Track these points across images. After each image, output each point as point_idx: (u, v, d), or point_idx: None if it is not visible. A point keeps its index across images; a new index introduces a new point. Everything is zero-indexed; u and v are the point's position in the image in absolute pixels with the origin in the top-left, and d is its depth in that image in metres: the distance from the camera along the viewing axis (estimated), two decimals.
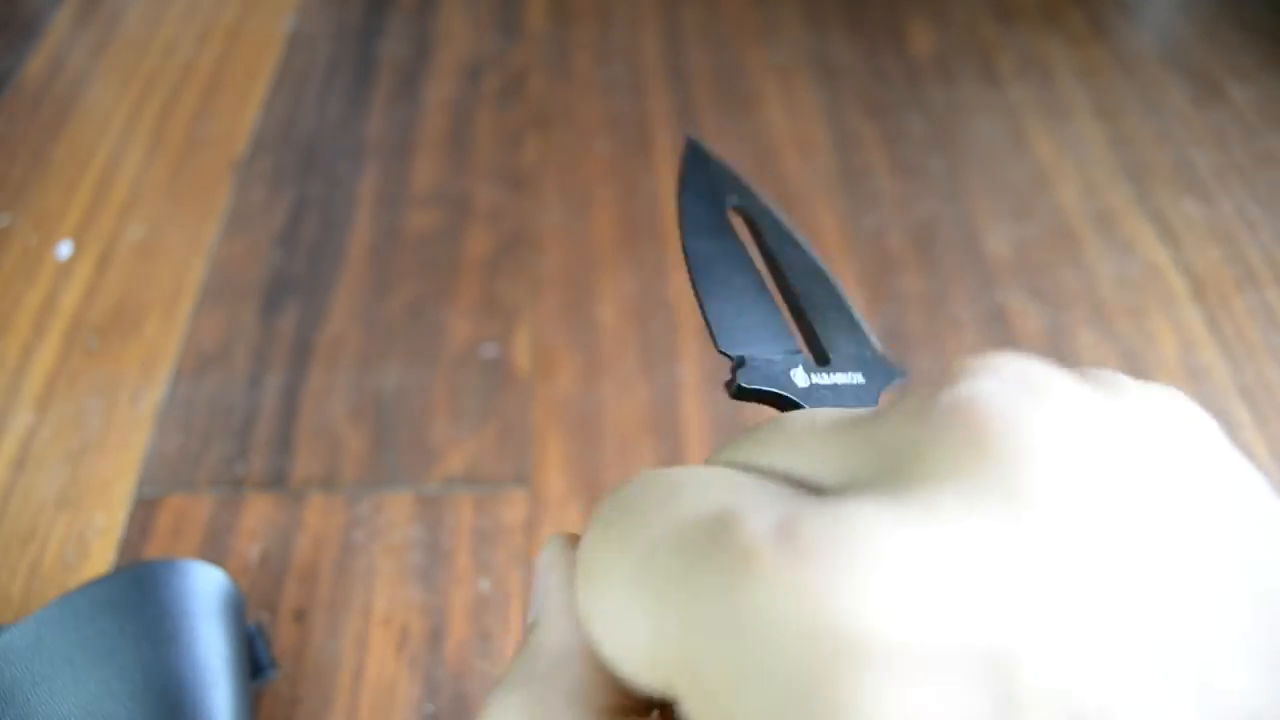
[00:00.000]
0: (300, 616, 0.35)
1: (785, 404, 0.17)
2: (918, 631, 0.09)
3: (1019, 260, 0.48)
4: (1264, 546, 0.10)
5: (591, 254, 0.48)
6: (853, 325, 0.19)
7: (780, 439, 0.12)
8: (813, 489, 0.11)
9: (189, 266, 0.48)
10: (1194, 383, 0.43)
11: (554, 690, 0.12)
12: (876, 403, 0.17)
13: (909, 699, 0.08)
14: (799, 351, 0.18)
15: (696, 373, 0.43)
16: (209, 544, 0.37)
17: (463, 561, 0.37)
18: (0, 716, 0.26)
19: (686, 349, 0.44)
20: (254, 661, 0.32)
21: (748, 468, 0.12)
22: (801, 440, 0.12)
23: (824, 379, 0.17)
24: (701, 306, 0.18)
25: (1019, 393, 0.10)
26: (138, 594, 0.29)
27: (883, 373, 0.18)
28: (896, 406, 0.11)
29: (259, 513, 0.38)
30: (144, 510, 0.38)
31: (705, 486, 0.11)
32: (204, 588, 0.31)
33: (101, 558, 0.37)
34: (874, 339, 0.18)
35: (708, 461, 0.14)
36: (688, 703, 0.10)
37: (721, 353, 0.17)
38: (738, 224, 0.20)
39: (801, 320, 0.19)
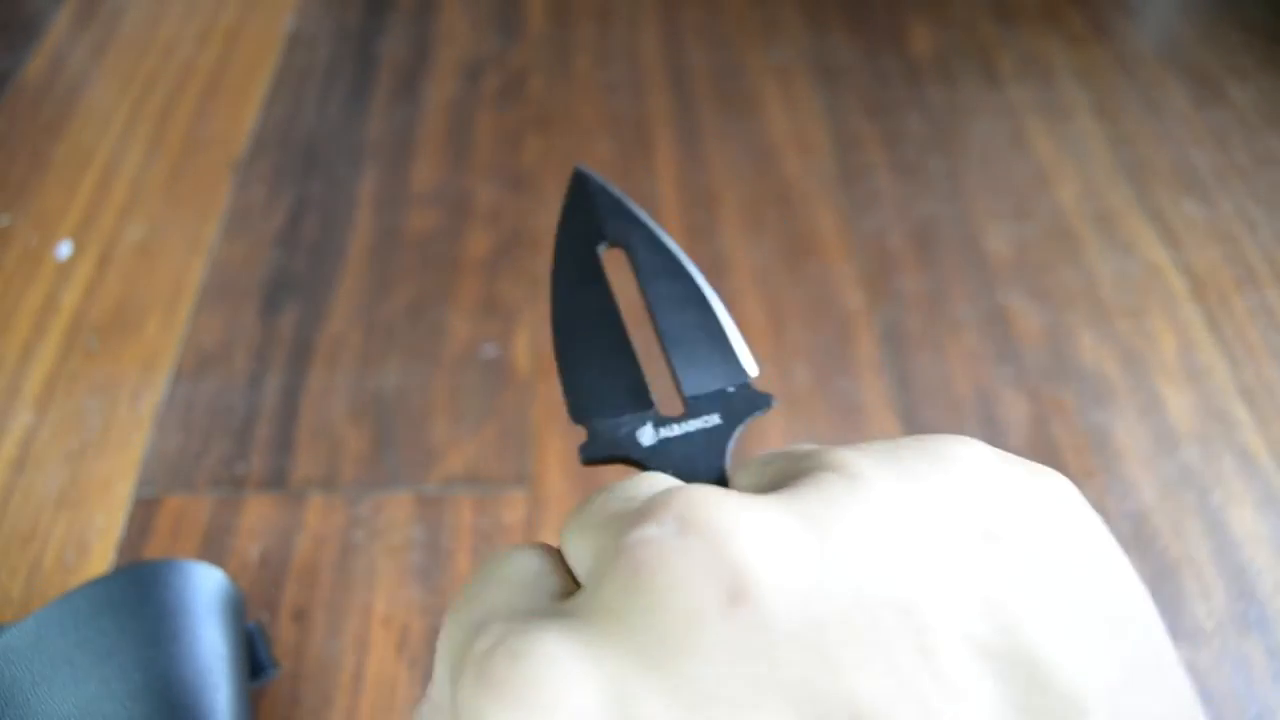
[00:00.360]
0: (300, 616, 0.35)
1: (634, 463, 0.18)
2: None
3: (1019, 260, 0.48)
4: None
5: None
6: (723, 356, 0.19)
7: (577, 528, 0.15)
8: (573, 587, 0.14)
9: (189, 266, 0.48)
10: (1194, 383, 0.43)
11: None
12: (731, 440, 0.18)
13: None
14: (651, 406, 0.18)
15: None
16: (209, 544, 0.37)
17: (463, 561, 0.37)
18: (0, 716, 0.26)
19: None
20: (254, 661, 0.32)
21: (557, 555, 0.15)
22: (581, 535, 0.14)
23: (674, 431, 0.18)
24: (560, 373, 0.19)
25: (671, 537, 0.12)
26: (138, 594, 0.29)
27: (743, 407, 0.18)
28: (617, 526, 0.13)
29: (259, 513, 0.38)
30: (144, 510, 0.38)
31: (502, 586, 0.14)
32: (204, 588, 0.31)
33: (101, 558, 0.37)
34: (746, 364, 0.19)
35: (561, 529, 0.16)
36: None
37: (573, 422, 0.18)
38: (617, 260, 0.20)
39: (668, 362, 0.19)
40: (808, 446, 0.15)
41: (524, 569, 0.15)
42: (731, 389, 0.18)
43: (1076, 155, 0.54)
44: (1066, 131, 0.55)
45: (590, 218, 0.20)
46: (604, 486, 0.16)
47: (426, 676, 0.34)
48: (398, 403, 0.42)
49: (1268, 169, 0.53)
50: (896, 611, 0.11)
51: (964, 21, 0.63)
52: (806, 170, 0.52)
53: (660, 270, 0.20)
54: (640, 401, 0.18)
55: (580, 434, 0.18)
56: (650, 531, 0.12)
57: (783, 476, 0.14)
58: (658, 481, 0.15)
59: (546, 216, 0.50)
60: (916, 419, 0.42)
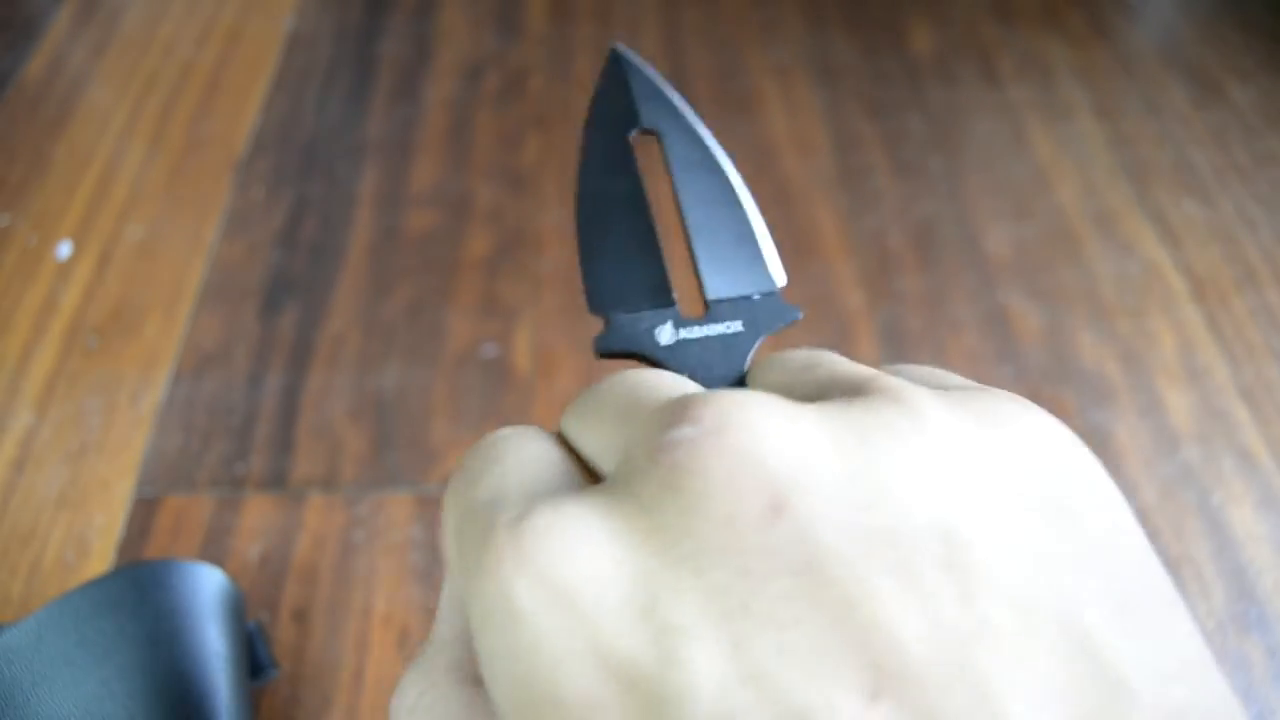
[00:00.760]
0: (300, 616, 0.35)
1: (650, 362, 0.17)
2: (585, 615, 0.11)
3: (1019, 260, 0.48)
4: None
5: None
6: (751, 260, 0.18)
7: (581, 411, 0.15)
8: (593, 472, 0.14)
9: (189, 266, 0.48)
10: (1194, 383, 0.43)
11: (439, 666, 0.14)
12: (751, 350, 0.17)
13: (569, 651, 0.11)
14: (672, 305, 0.17)
15: None
16: (209, 544, 0.37)
17: None
18: (0, 716, 0.26)
19: None
20: (254, 661, 0.32)
21: (565, 442, 0.15)
22: (595, 424, 0.14)
23: (693, 333, 0.17)
24: (581, 262, 0.18)
25: (712, 438, 0.12)
26: (138, 594, 0.29)
27: (767, 318, 0.17)
28: (649, 421, 0.13)
29: (259, 513, 0.38)
30: (144, 510, 0.38)
31: (512, 466, 0.14)
32: (204, 588, 0.31)
33: (101, 558, 0.37)
34: (775, 272, 0.18)
35: (564, 416, 0.16)
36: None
37: (592, 313, 0.17)
38: (650, 148, 0.19)
39: (693, 260, 0.18)
40: (850, 364, 0.14)
41: (532, 451, 0.14)
42: (757, 296, 0.17)
43: (1076, 155, 0.54)
44: (1066, 131, 0.55)
45: (624, 100, 0.19)
46: (617, 373, 0.15)
47: None
48: (398, 403, 0.42)
49: (1268, 169, 0.53)
50: (945, 546, 0.11)
51: (964, 21, 0.63)
52: (806, 170, 0.52)
53: (694, 162, 0.19)
54: (661, 298, 0.17)
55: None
56: (688, 431, 0.12)
57: (825, 389, 0.13)
58: (680, 382, 0.15)
59: (547, 216, 0.50)
60: None
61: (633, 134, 0.19)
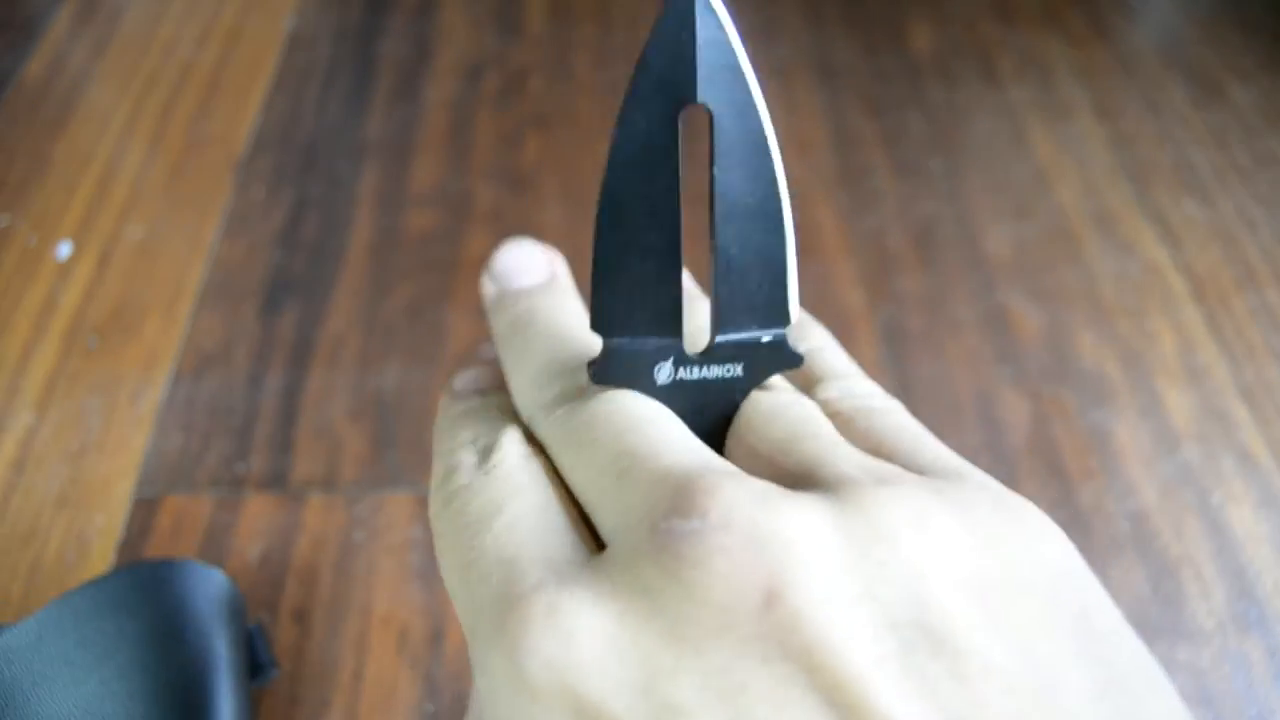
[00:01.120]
0: (300, 616, 0.35)
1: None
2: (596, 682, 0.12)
3: (1019, 260, 0.48)
4: None
5: (592, 254, 0.48)
6: (771, 294, 0.16)
7: (586, 451, 0.15)
8: (592, 532, 0.15)
9: (189, 266, 0.48)
10: (1194, 383, 0.43)
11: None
12: (747, 395, 0.17)
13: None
14: (678, 337, 0.16)
15: None
16: (209, 544, 0.37)
17: None
18: (0, 716, 0.26)
19: None
20: (254, 661, 0.32)
21: (558, 477, 0.15)
22: (593, 467, 0.15)
23: (692, 374, 0.16)
24: (592, 272, 0.16)
25: (713, 533, 0.12)
26: (138, 594, 0.29)
27: (769, 363, 0.17)
28: (650, 495, 0.13)
29: (259, 513, 0.38)
30: (144, 510, 0.38)
31: (519, 517, 0.14)
32: (204, 588, 0.31)
33: (101, 558, 0.37)
34: (793, 308, 0.17)
35: (549, 425, 0.16)
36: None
37: (592, 330, 0.16)
38: (698, 125, 0.16)
39: (713, 285, 0.16)
40: (829, 443, 0.15)
41: (531, 500, 0.15)
42: (765, 338, 0.17)
43: (1076, 155, 0.54)
44: (1066, 131, 0.55)
45: (683, 61, 0.15)
46: (607, 398, 0.16)
47: (426, 676, 0.34)
48: (398, 403, 0.42)
49: (1268, 169, 0.53)
50: (936, 633, 0.11)
51: (964, 21, 0.63)
52: (806, 170, 0.52)
53: (743, 159, 0.16)
54: (669, 328, 0.16)
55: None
56: (695, 524, 0.12)
57: (809, 471, 0.14)
58: (678, 443, 0.15)
59: (547, 216, 0.50)
60: (916, 419, 0.41)
61: (684, 111, 0.15)
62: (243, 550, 0.37)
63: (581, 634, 0.12)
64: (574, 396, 0.17)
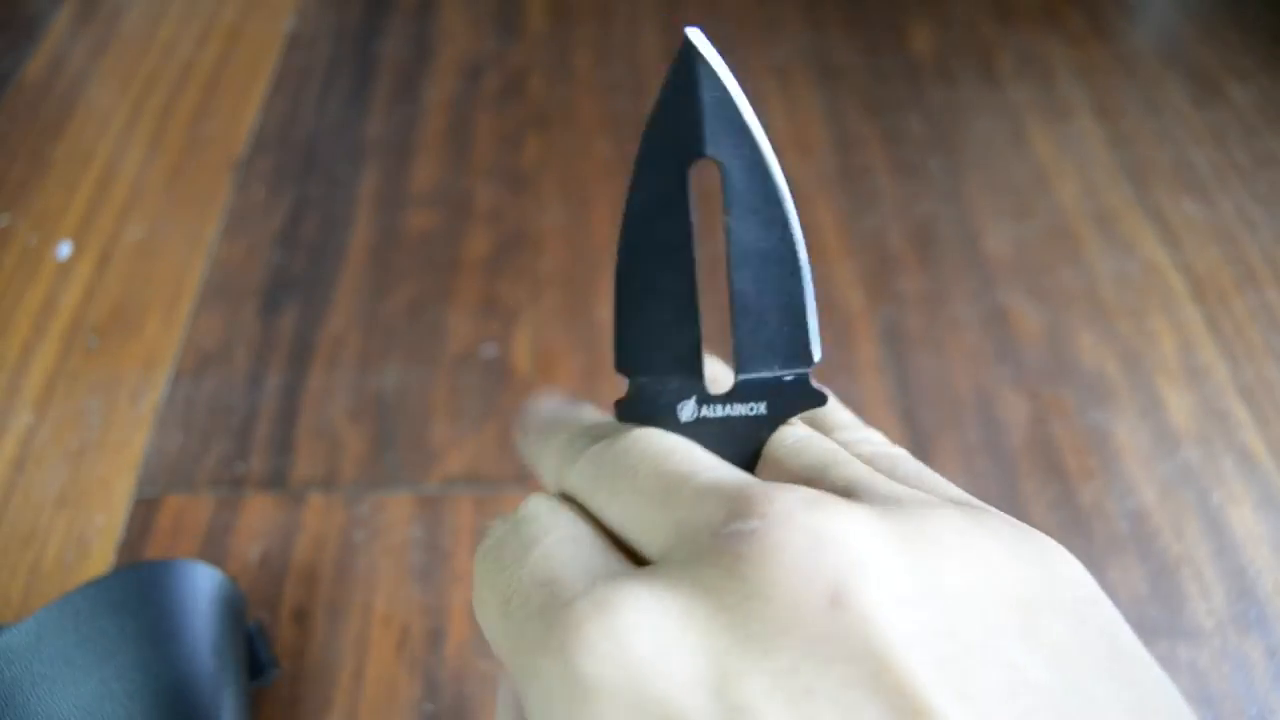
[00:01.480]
0: (300, 616, 0.35)
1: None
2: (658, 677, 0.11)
3: (1019, 260, 0.48)
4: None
5: (591, 254, 0.48)
6: (792, 335, 0.17)
7: (618, 487, 0.15)
8: (630, 551, 0.14)
9: (189, 266, 0.48)
10: (1194, 383, 0.43)
11: None
12: (770, 432, 0.17)
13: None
14: (699, 377, 0.17)
15: None
16: (209, 544, 0.37)
17: (463, 561, 0.37)
18: (0, 716, 0.26)
19: None
20: (254, 661, 0.32)
21: (591, 518, 0.15)
22: (630, 499, 0.15)
23: (715, 412, 0.17)
24: (615, 315, 0.17)
25: (777, 531, 0.12)
26: (138, 594, 0.29)
27: (793, 402, 0.17)
28: (696, 509, 0.13)
29: (259, 513, 0.38)
30: (144, 510, 0.38)
31: (553, 548, 0.14)
32: (204, 588, 0.31)
33: (101, 558, 0.37)
34: (814, 348, 0.17)
35: (571, 473, 0.16)
36: None
37: (617, 370, 0.17)
38: (709, 177, 0.17)
39: (732, 326, 0.17)
40: (864, 468, 0.15)
41: (566, 531, 0.15)
42: (789, 377, 0.17)
43: (1076, 155, 0.54)
44: (1066, 131, 0.55)
45: (690, 117, 0.16)
46: (630, 437, 0.16)
47: (426, 676, 0.34)
48: (398, 403, 0.42)
49: (1268, 169, 0.53)
50: (994, 642, 0.12)
51: (964, 21, 0.63)
52: (806, 170, 0.52)
53: (755, 208, 0.16)
54: (690, 368, 0.17)
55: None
56: (755, 524, 0.12)
57: (852, 491, 0.14)
58: (712, 462, 0.15)
59: (547, 216, 0.50)
60: (916, 419, 0.42)
61: (694, 164, 0.16)
62: (243, 550, 0.37)
63: (641, 630, 0.12)
64: (601, 441, 0.17)
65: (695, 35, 0.16)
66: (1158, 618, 0.36)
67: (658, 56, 0.60)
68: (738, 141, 0.16)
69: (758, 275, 0.17)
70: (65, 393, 0.42)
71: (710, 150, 0.16)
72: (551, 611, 0.12)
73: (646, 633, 0.12)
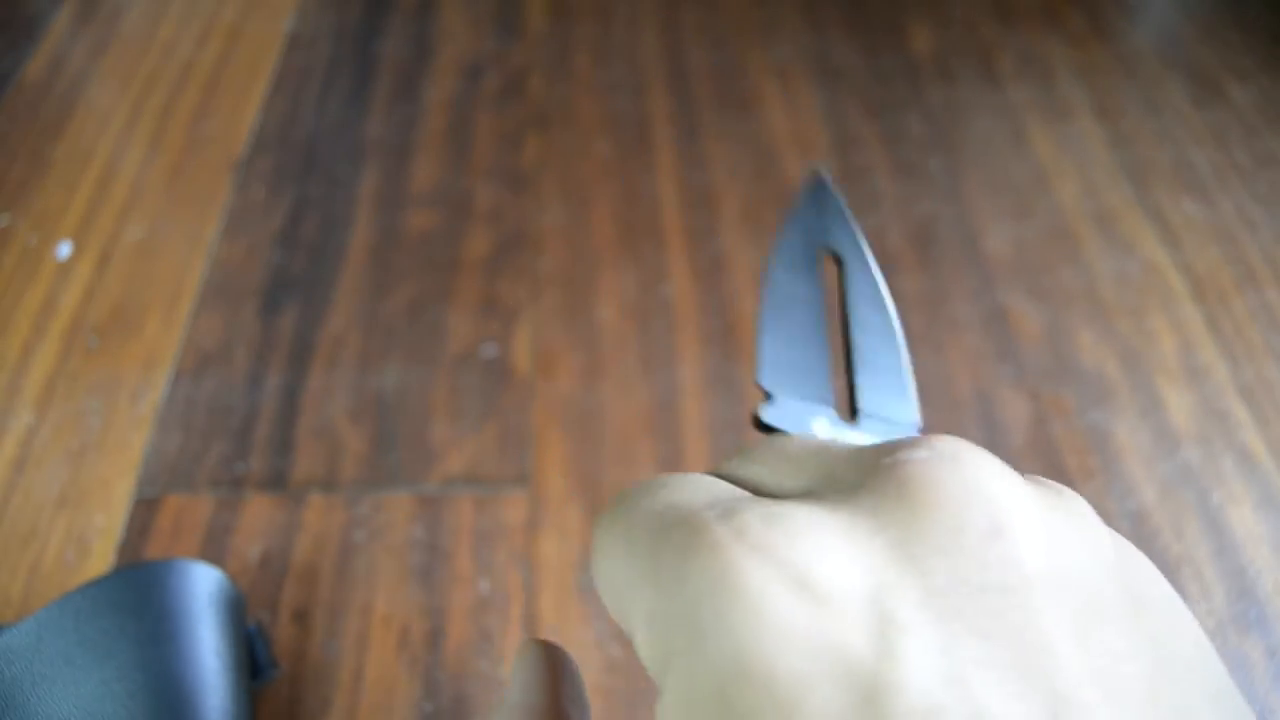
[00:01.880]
0: (300, 616, 0.35)
1: None
2: (811, 580, 0.11)
3: (1019, 260, 0.48)
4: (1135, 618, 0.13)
5: (591, 254, 0.48)
6: (899, 394, 0.19)
7: (759, 457, 0.15)
8: (772, 496, 0.14)
9: (189, 266, 0.48)
10: (1194, 383, 0.43)
11: None
12: None
13: (791, 627, 0.11)
14: (830, 403, 0.19)
15: (696, 374, 0.43)
16: (209, 544, 0.37)
17: (463, 562, 0.37)
18: (0, 716, 0.26)
19: (686, 350, 0.44)
20: (254, 661, 0.32)
21: (726, 477, 0.15)
22: (775, 462, 0.15)
23: (845, 434, 0.18)
24: (757, 335, 0.20)
25: (944, 461, 0.13)
26: (138, 594, 0.29)
27: None
28: (853, 455, 0.14)
29: (259, 513, 0.38)
30: (144, 510, 0.38)
31: (681, 486, 0.14)
32: (204, 588, 0.31)
33: (101, 558, 0.37)
34: (915, 410, 0.19)
35: (723, 465, 0.16)
36: (665, 677, 0.12)
37: (756, 383, 0.19)
38: (830, 268, 0.21)
39: (850, 375, 0.19)
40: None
41: (702, 478, 0.15)
42: (900, 424, 0.19)
43: (1076, 155, 0.54)
44: (1066, 131, 0.55)
45: (819, 221, 0.21)
46: (779, 436, 0.16)
47: (426, 676, 0.34)
48: (398, 403, 0.42)
49: (1268, 169, 0.53)
50: (1120, 601, 0.12)
51: (964, 21, 0.63)
52: (806, 170, 0.52)
53: (865, 294, 0.21)
54: (821, 396, 0.19)
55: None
56: (923, 453, 0.13)
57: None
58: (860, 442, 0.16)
59: (547, 216, 0.50)
60: None
61: (819, 251, 0.21)
62: (243, 550, 0.37)
63: (803, 535, 0.12)
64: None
65: (823, 171, 0.22)
66: None
67: (658, 56, 0.60)
68: (852, 243, 0.21)
69: (871, 343, 0.20)
70: (65, 393, 0.42)
71: (833, 245, 0.21)
72: (700, 524, 0.12)
73: (808, 539, 0.12)
